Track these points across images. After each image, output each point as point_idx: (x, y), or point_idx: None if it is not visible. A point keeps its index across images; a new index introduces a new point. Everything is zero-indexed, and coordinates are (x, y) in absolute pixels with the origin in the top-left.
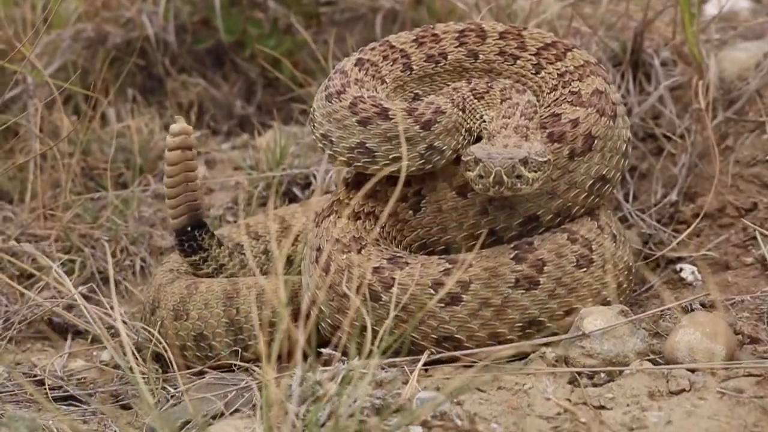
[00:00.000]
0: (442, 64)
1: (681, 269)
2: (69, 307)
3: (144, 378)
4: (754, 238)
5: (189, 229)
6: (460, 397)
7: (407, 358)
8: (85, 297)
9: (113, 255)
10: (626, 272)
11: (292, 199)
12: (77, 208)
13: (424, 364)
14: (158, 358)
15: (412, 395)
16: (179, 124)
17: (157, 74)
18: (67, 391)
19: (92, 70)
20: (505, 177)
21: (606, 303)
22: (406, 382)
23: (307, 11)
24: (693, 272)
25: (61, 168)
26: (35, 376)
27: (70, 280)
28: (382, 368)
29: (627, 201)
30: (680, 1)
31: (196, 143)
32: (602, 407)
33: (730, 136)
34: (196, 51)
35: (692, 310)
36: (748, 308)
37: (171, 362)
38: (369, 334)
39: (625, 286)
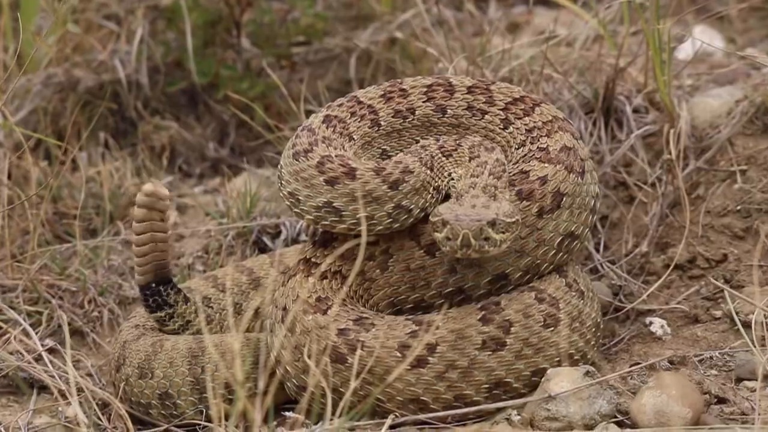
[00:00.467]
0: (410, 119)
1: (651, 323)
2: (36, 360)
3: None
4: (723, 290)
5: (154, 284)
6: None
7: (371, 421)
8: (52, 350)
9: (81, 306)
10: (594, 329)
11: (262, 248)
12: (45, 258)
13: (389, 427)
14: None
15: None
16: (152, 185)
17: (129, 117)
18: None
19: (64, 114)
20: (472, 240)
21: (574, 362)
22: None
23: (280, 53)
24: (662, 326)
25: (29, 216)
26: None
27: (37, 333)
28: None
29: (598, 251)
30: (651, 49)
31: (168, 207)
32: None
33: (702, 185)
34: (169, 93)
35: (660, 366)
36: (717, 365)
37: (126, 422)
38: (329, 400)
39: (593, 343)
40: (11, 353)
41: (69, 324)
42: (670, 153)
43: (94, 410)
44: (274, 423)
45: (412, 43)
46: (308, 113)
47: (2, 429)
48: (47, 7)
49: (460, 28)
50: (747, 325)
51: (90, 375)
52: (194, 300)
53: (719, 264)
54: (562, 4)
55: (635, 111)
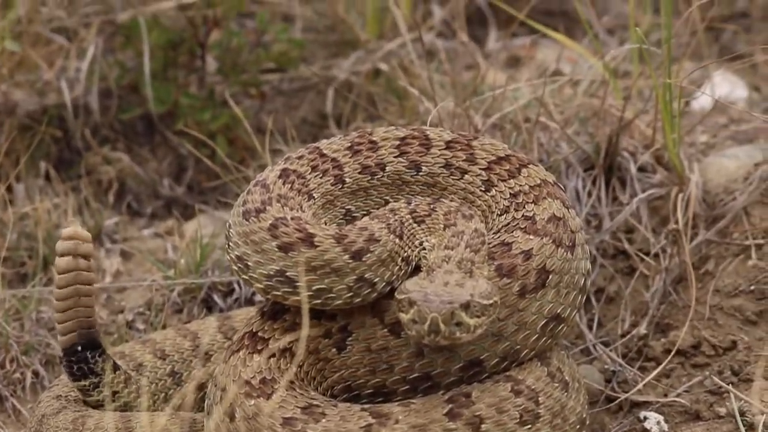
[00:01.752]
0: (379, 176)
1: (645, 418)
2: None
3: None
4: (731, 383)
5: (80, 348)
6: None
7: None
8: None
9: (2, 366)
10: (578, 426)
11: (211, 308)
12: None
13: None
14: None
15: None
16: (72, 228)
17: (75, 146)
18: None
19: None
20: (442, 325)
21: None
22: None
23: (249, 81)
24: (659, 422)
25: None
26: None
27: None
28: None
29: (591, 329)
30: (660, 103)
31: (92, 251)
32: None
33: (711, 259)
34: (122, 120)
35: None
36: None
37: None
38: None
39: None
40: None
41: None
42: (677, 222)
43: None
44: None
45: (397, 76)
46: (274, 152)
47: None
48: None
49: (451, 60)
50: (754, 428)
51: None
52: (125, 369)
53: (727, 352)
54: (564, 44)
55: (641, 169)
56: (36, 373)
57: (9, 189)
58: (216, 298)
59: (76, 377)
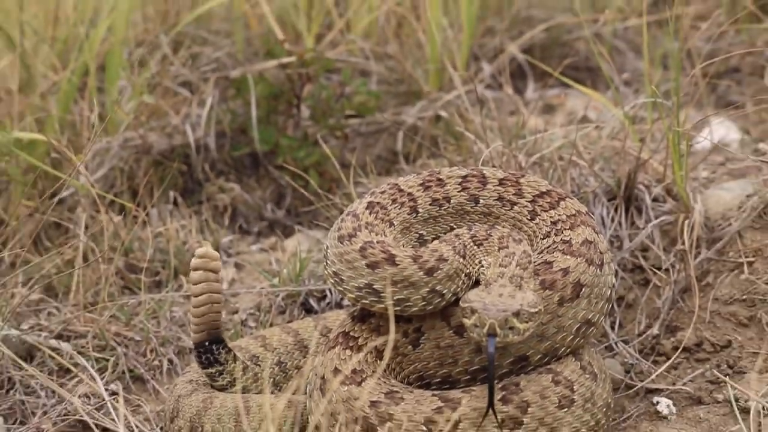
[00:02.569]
0: (445, 207)
1: (657, 402)
2: (100, 407)
3: None
4: (727, 374)
5: (207, 343)
6: None
7: None
8: (115, 394)
9: (144, 354)
10: (605, 409)
11: (309, 309)
12: (114, 310)
13: None
14: None
15: None
16: (204, 248)
17: (197, 178)
18: None
19: (138, 174)
20: (498, 329)
21: None
22: None
23: (335, 126)
24: (668, 405)
25: (101, 269)
26: None
27: (103, 377)
28: None
29: (613, 330)
30: (669, 146)
31: (220, 267)
32: None
33: (711, 273)
34: (234, 157)
35: None
36: None
37: None
38: None
39: (603, 422)
40: (80, 396)
41: (131, 371)
42: (683, 243)
43: None
44: None
45: (455, 122)
46: (356, 183)
47: None
48: (126, 78)
49: (498, 108)
50: (746, 411)
51: (148, 420)
52: (243, 360)
53: (724, 349)
54: (590, 96)
55: (654, 200)
56: (171, 361)
57: (146, 213)
58: (312, 302)
59: (204, 365)
